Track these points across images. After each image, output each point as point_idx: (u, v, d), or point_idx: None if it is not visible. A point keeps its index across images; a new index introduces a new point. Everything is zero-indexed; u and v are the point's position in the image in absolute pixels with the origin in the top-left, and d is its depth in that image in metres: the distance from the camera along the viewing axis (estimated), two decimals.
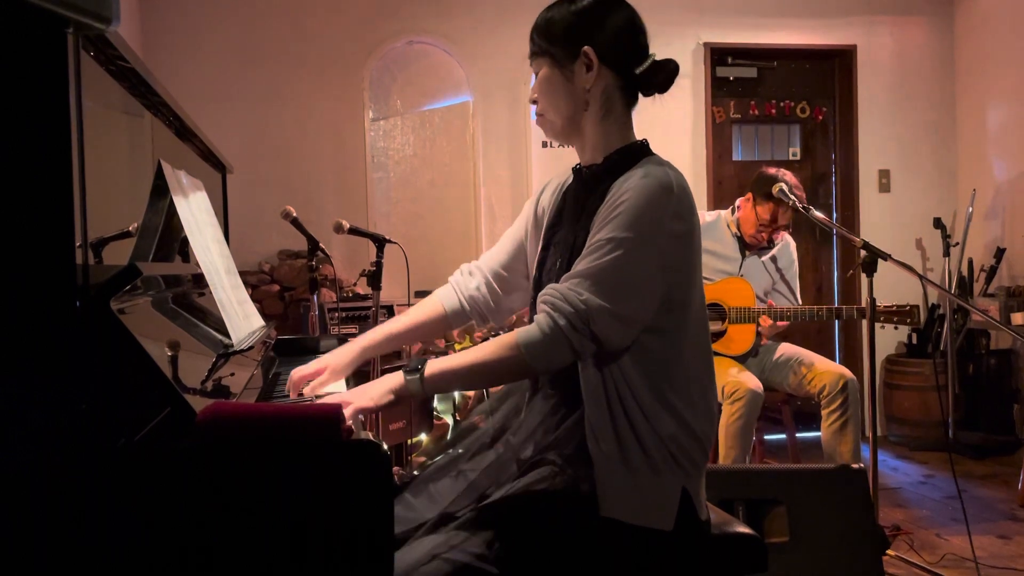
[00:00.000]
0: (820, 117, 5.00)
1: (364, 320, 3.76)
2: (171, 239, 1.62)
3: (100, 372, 1.00)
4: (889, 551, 2.82)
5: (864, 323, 3.13)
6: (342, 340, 2.10)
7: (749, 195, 3.21)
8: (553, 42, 1.45)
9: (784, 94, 4.96)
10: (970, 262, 4.69)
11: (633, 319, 1.33)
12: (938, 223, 4.76)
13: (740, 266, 3.22)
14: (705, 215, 3.33)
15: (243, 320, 1.63)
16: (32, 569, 0.97)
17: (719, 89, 4.83)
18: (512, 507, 1.32)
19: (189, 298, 1.55)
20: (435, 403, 3.77)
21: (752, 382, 2.93)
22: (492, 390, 3.03)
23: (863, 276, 2.73)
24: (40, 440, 0.97)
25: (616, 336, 1.32)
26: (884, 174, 4.94)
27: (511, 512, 1.32)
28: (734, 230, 3.25)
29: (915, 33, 4.96)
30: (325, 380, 1.57)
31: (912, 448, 4.58)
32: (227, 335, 1.46)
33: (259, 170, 4.17)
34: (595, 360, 1.36)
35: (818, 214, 2.94)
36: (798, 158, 4.99)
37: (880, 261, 2.67)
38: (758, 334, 3.14)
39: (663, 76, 1.45)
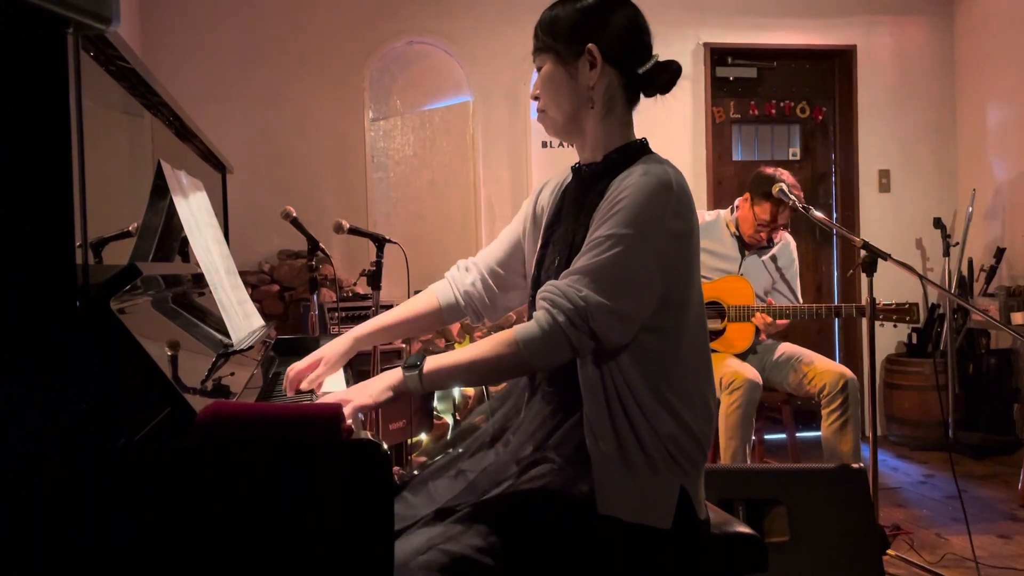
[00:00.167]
0: (820, 117, 5.00)
1: (364, 320, 3.75)
2: (171, 239, 1.62)
3: (100, 372, 1.00)
4: (889, 551, 2.82)
5: (864, 323, 3.13)
6: None
7: (747, 195, 3.21)
8: (557, 39, 1.45)
9: (784, 94, 4.96)
10: (970, 262, 4.69)
11: (632, 317, 1.33)
12: (938, 223, 4.76)
13: (740, 265, 3.22)
14: (704, 215, 3.33)
15: (243, 320, 1.63)
16: (32, 569, 0.97)
17: (719, 89, 4.83)
18: (511, 503, 1.33)
19: (189, 298, 1.55)
20: (435, 402, 3.77)
21: (750, 372, 2.94)
22: (493, 390, 3.04)
23: (863, 276, 2.73)
24: (40, 440, 0.97)
25: (615, 333, 1.32)
26: (884, 174, 4.94)
27: (509, 508, 1.32)
28: (733, 230, 3.25)
29: (915, 33, 4.96)
30: (321, 372, 1.57)
31: (912, 448, 4.58)
32: (227, 335, 1.46)
33: (259, 170, 4.17)
34: (594, 359, 1.36)
35: (818, 214, 2.94)
36: (798, 158, 4.99)
37: (880, 261, 2.67)
38: (757, 332, 3.15)
39: (666, 77, 1.45)
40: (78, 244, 0.99)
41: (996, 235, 4.72)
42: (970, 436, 4.49)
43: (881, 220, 4.89)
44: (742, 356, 3.15)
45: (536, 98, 1.50)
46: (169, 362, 1.14)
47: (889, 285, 3.91)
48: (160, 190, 1.50)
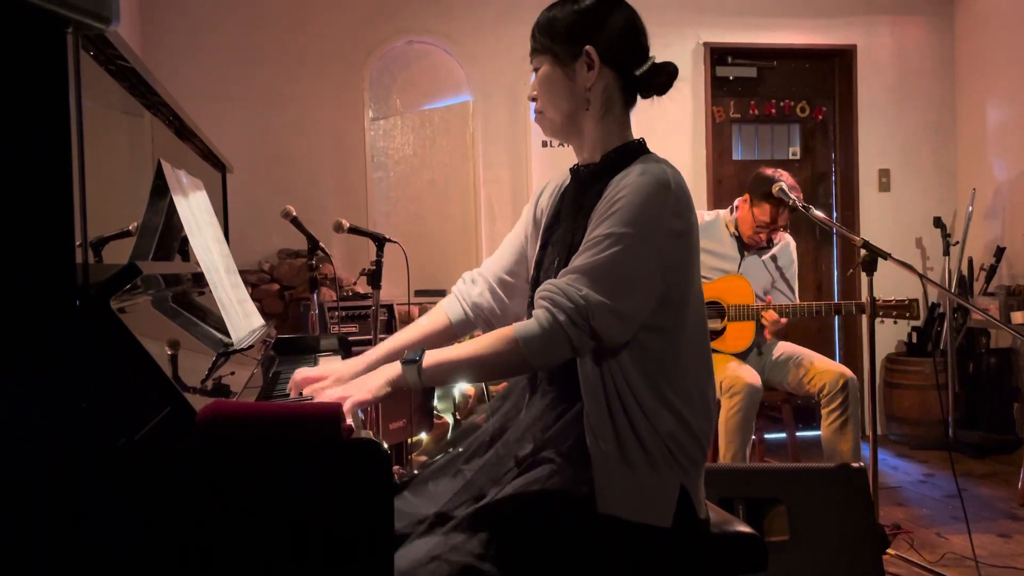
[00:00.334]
0: (820, 117, 5.00)
1: (364, 319, 3.76)
2: (171, 238, 1.62)
3: (100, 371, 1.00)
4: (889, 550, 2.82)
5: (864, 322, 3.14)
6: (342, 339, 2.11)
7: (746, 196, 3.21)
8: (555, 40, 1.45)
9: (784, 94, 4.96)
10: (970, 261, 4.69)
11: (632, 315, 1.33)
12: (938, 222, 4.76)
13: (739, 265, 3.22)
14: (704, 215, 3.33)
15: (243, 319, 1.63)
16: (32, 569, 0.97)
17: (719, 89, 4.83)
18: (511, 506, 1.33)
19: (189, 297, 1.55)
20: (435, 402, 3.77)
21: (750, 376, 2.94)
22: (493, 389, 3.03)
23: (863, 275, 2.73)
24: (40, 440, 0.97)
25: (615, 332, 1.32)
26: (884, 173, 4.94)
27: (510, 512, 1.32)
28: (732, 230, 3.25)
29: (915, 33, 4.96)
30: (326, 385, 1.56)
31: (912, 447, 4.58)
32: (227, 334, 1.46)
33: (259, 170, 4.17)
34: (594, 358, 1.36)
35: (818, 213, 2.94)
36: (798, 158, 4.99)
37: (880, 260, 2.67)
38: (758, 332, 3.15)
39: (663, 78, 1.46)
40: (78, 243, 0.99)
41: (996, 234, 4.72)
42: (970, 435, 4.49)
43: (881, 219, 4.89)
44: (743, 356, 3.15)
45: (534, 99, 1.50)
46: (169, 361, 1.14)
47: (889, 284, 3.91)
48: (160, 189, 1.50)
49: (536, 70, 1.49)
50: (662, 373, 1.38)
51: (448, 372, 1.37)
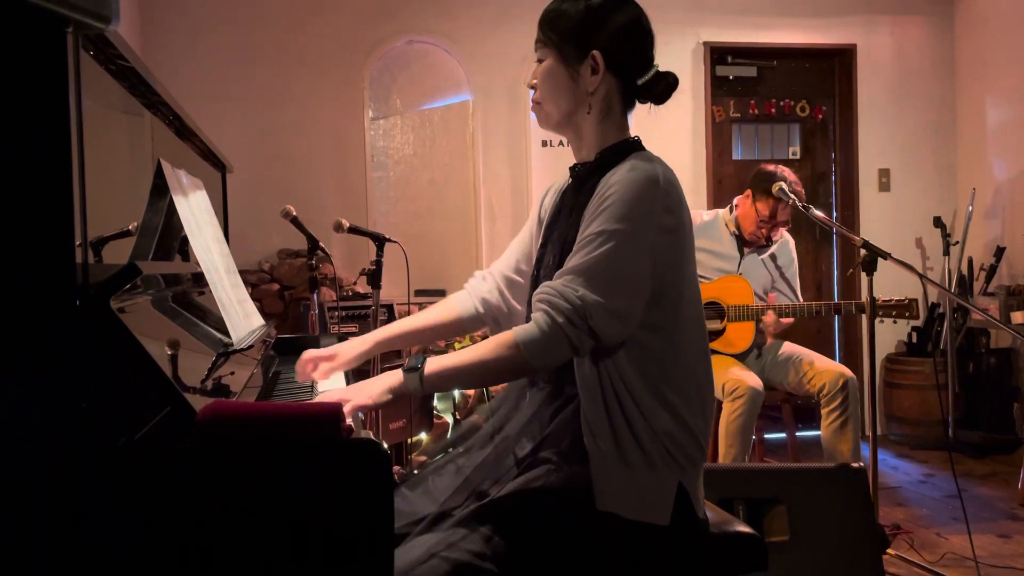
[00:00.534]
0: (820, 116, 5.00)
1: (364, 319, 3.76)
2: (171, 238, 1.62)
3: (100, 371, 1.00)
4: (889, 550, 2.82)
5: (864, 322, 3.14)
6: (342, 339, 2.10)
7: (748, 192, 3.21)
8: (563, 38, 1.44)
9: (784, 93, 4.96)
10: (970, 261, 4.69)
11: (628, 313, 1.34)
12: (938, 222, 4.76)
13: (739, 264, 3.22)
14: (703, 214, 3.33)
15: (243, 319, 1.63)
16: (32, 569, 0.97)
17: (719, 88, 4.83)
18: (509, 504, 1.33)
19: (189, 297, 1.55)
20: (435, 402, 3.77)
21: (752, 380, 2.93)
22: (493, 390, 3.04)
23: (863, 275, 2.73)
24: (40, 440, 0.96)
25: (613, 331, 1.33)
26: (884, 173, 4.94)
27: (508, 509, 1.32)
28: (732, 229, 3.25)
29: (915, 33, 4.96)
30: (334, 365, 1.59)
31: (912, 447, 4.58)
32: (227, 334, 1.45)
33: (259, 170, 4.17)
34: (591, 357, 1.37)
35: (818, 213, 2.94)
36: (798, 157, 4.99)
37: (880, 260, 2.67)
38: (758, 332, 3.15)
39: (662, 87, 1.46)
40: (78, 243, 0.99)
41: (996, 234, 4.72)
42: (970, 435, 4.49)
43: (881, 219, 4.89)
44: (743, 358, 3.15)
45: (533, 88, 1.51)
46: (169, 361, 1.14)
47: (889, 284, 3.91)
48: (160, 189, 1.50)
49: (540, 59, 1.49)
50: (659, 372, 1.38)
51: (450, 379, 1.37)
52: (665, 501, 1.35)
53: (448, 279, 4.39)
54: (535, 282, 1.54)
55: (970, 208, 4.64)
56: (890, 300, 2.93)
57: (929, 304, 4.72)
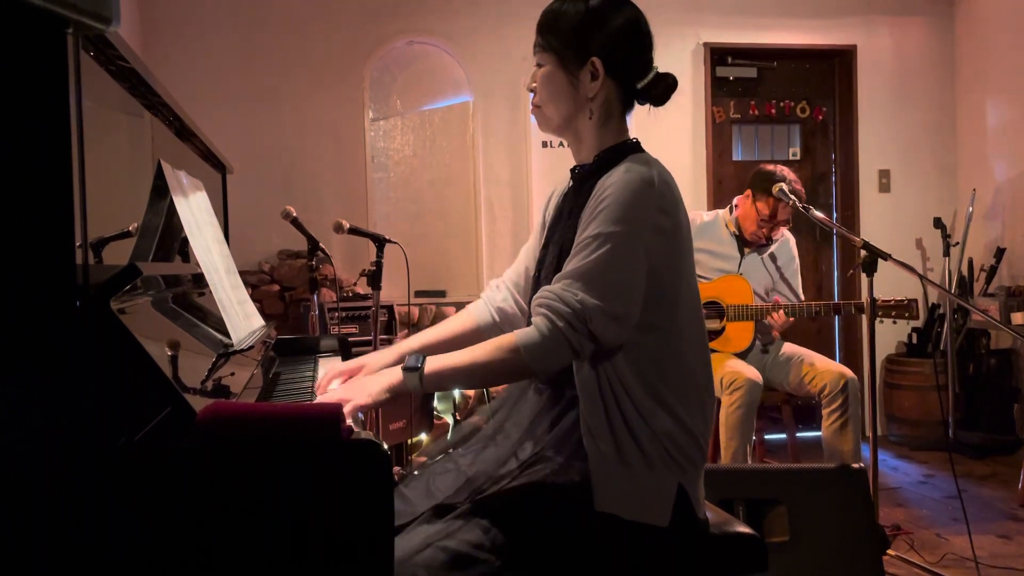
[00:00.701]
0: (820, 117, 5.00)
1: (364, 320, 3.76)
2: (171, 239, 1.62)
3: (100, 372, 1.00)
4: (889, 551, 2.82)
5: (864, 323, 3.14)
6: (342, 340, 2.11)
7: (748, 192, 3.21)
8: (564, 44, 1.44)
9: (784, 94, 4.96)
10: (970, 262, 4.69)
11: (625, 315, 1.34)
12: (938, 223, 4.76)
13: (739, 264, 3.22)
14: (703, 215, 3.33)
15: (243, 320, 1.63)
16: (32, 569, 0.97)
17: (719, 89, 4.83)
18: (509, 499, 1.33)
19: (189, 298, 1.55)
20: (435, 402, 3.77)
21: (750, 372, 2.94)
22: (493, 391, 3.03)
23: (863, 276, 2.73)
24: (40, 440, 0.97)
25: (612, 334, 1.33)
26: (884, 174, 4.94)
27: (508, 503, 1.32)
28: (732, 229, 3.25)
29: (915, 33, 4.96)
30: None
31: (912, 448, 4.58)
32: (227, 335, 1.46)
33: (259, 170, 4.17)
34: (590, 359, 1.37)
35: (818, 214, 2.94)
36: (798, 158, 4.99)
37: (880, 261, 2.67)
38: (757, 332, 3.15)
39: (662, 88, 1.46)
40: (78, 244, 0.99)
41: (996, 235, 4.72)
42: (970, 436, 4.49)
43: (881, 220, 4.89)
44: (742, 357, 3.15)
45: (532, 90, 1.51)
46: (169, 362, 1.14)
47: (889, 285, 3.90)
48: (160, 190, 1.50)
49: (539, 63, 1.49)
50: (658, 373, 1.38)
51: (449, 379, 1.37)
52: (665, 502, 1.35)
53: (448, 280, 4.39)
54: (536, 283, 1.55)
55: (970, 209, 4.64)
56: (890, 301, 2.93)
57: (929, 305, 4.72)
